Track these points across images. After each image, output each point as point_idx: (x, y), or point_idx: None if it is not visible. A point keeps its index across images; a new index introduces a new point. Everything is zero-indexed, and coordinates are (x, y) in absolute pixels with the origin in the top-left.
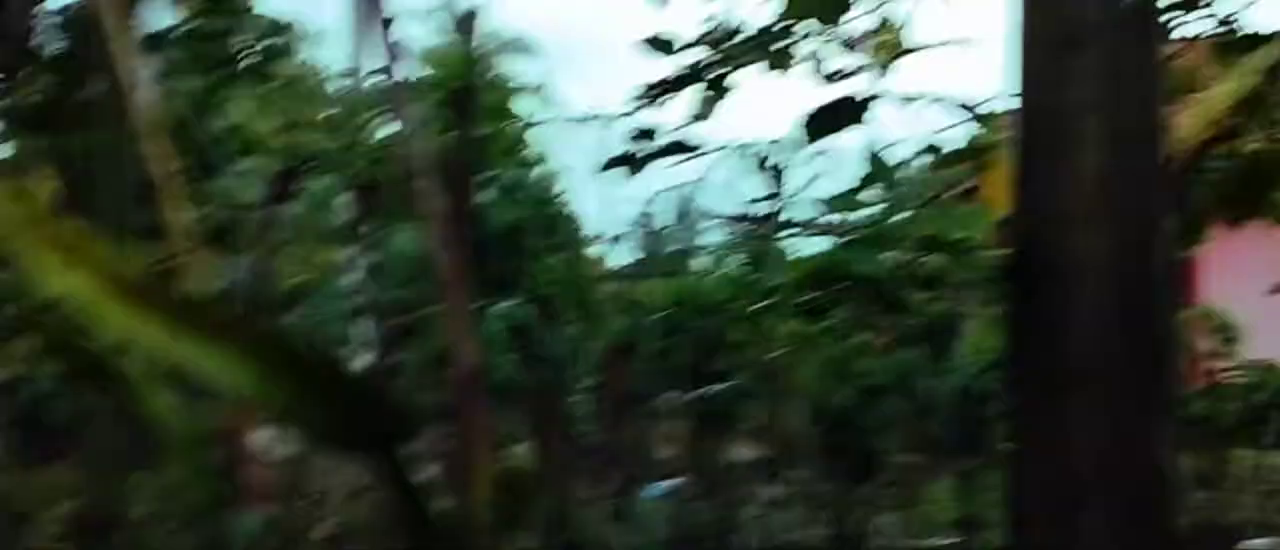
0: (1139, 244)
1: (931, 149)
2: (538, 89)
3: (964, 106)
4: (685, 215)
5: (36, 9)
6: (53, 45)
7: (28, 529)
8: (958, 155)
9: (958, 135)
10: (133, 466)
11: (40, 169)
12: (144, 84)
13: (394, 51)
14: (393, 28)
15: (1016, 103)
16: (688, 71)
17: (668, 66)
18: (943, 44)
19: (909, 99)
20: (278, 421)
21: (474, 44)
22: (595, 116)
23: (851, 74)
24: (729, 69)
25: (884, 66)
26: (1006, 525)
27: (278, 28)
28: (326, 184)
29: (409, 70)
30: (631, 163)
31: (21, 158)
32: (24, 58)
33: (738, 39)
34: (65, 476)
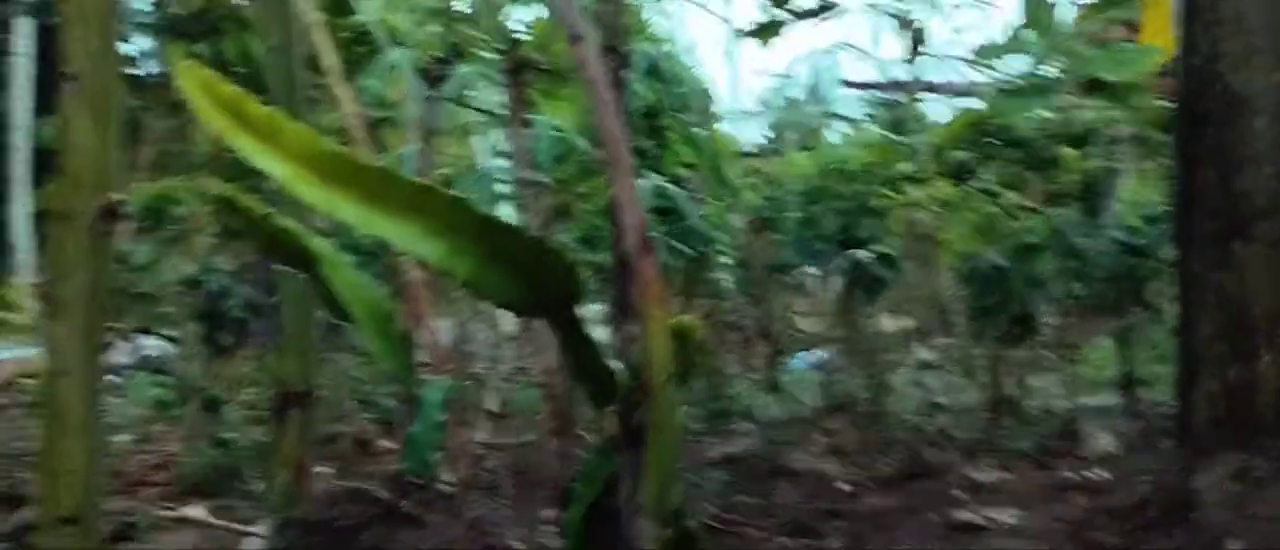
0: None
1: None
2: None
3: None
4: (822, 83)
5: None
6: None
7: (219, 414)
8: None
9: None
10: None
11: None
12: None
13: None
14: None
15: None
16: None
17: None
18: None
19: None
20: (465, 287)
21: None
22: None
23: None
24: None
25: None
26: (1176, 378)
27: None
28: (473, 70)
29: None
30: (767, 30)
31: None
32: None
33: None
34: (248, 365)
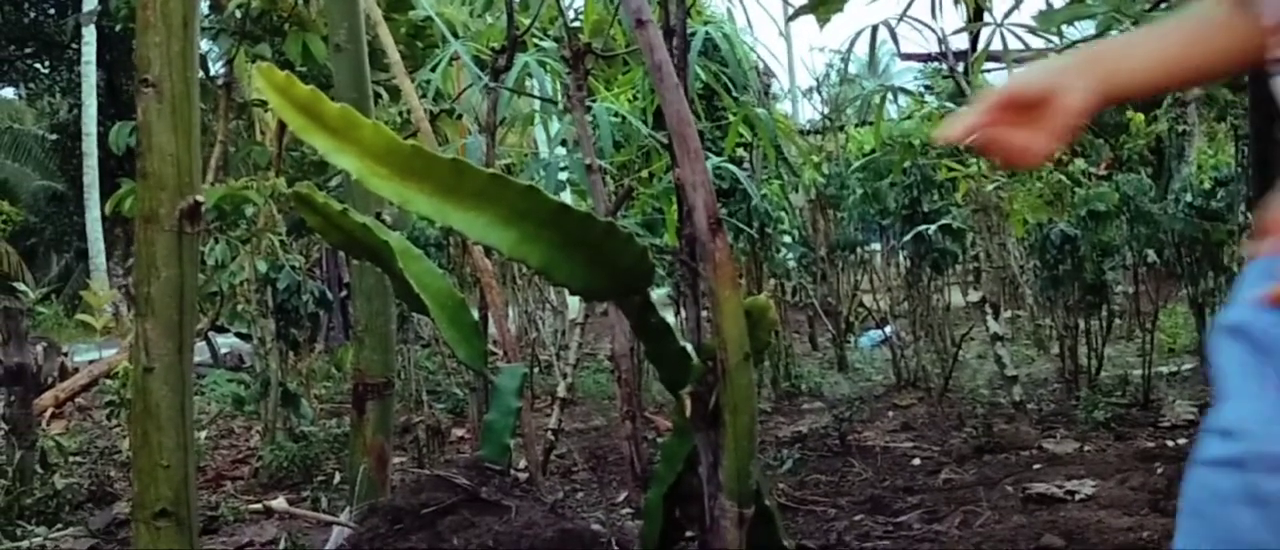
0: None
1: None
2: None
3: None
4: (881, 58)
5: None
6: None
7: (296, 408)
8: None
9: None
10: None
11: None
12: None
13: None
14: None
15: None
16: None
17: None
18: None
19: None
20: (538, 274)
21: None
22: None
23: None
24: None
25: None
26: None
27: None
28: (532, 59)
29: None
30: (823, 6)
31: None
32: None
33: None
34: (320, 359)
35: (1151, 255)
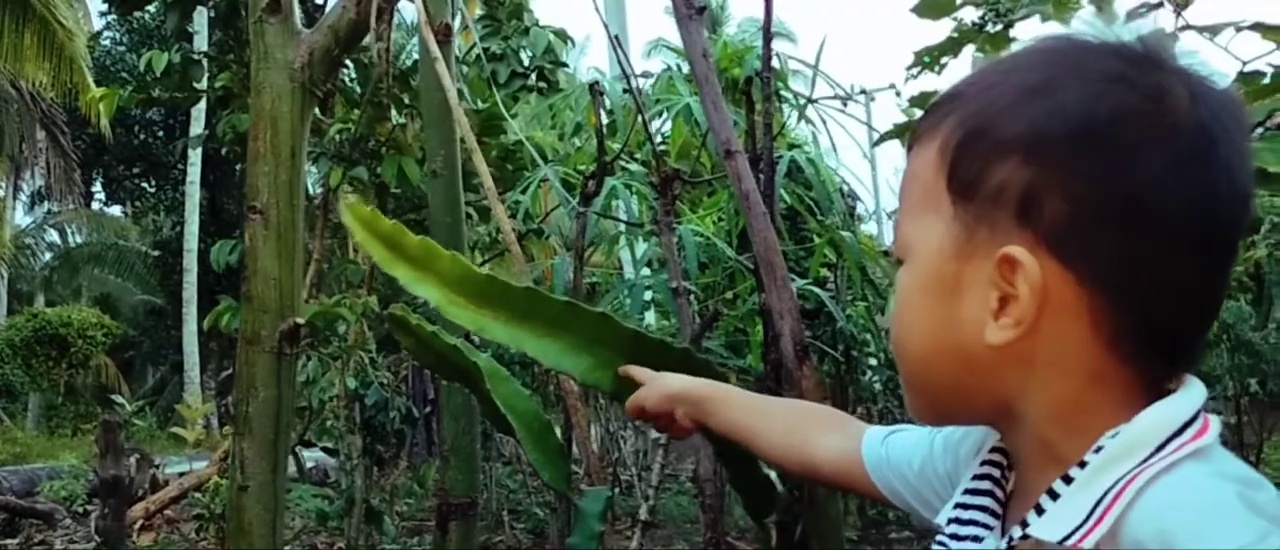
0: None
1: (1244, 78)
2: (812, 68)
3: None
4: None
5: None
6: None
7: (380, 525)
8: (1273, 84)
9: (1269, 62)
10: (482, 457)
11: (360, 197)
12: (458, 107)
13: (695, 40)
14: (703, 18)
15: None
16: (967, 29)
17: (943, 29)
18: None
19: (1214, 29)
20: (613, 400)
21: (751, 31)
22: (863, 92)
23: (1148, 9)
24: (1010, 21)
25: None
26: None
27: (557, 39)
28: (619, 183)
29: (700, 60)
30: (907, 131)
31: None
32: (332, 94)
33: None
34: (405, 476)
35: (1254, 385)
